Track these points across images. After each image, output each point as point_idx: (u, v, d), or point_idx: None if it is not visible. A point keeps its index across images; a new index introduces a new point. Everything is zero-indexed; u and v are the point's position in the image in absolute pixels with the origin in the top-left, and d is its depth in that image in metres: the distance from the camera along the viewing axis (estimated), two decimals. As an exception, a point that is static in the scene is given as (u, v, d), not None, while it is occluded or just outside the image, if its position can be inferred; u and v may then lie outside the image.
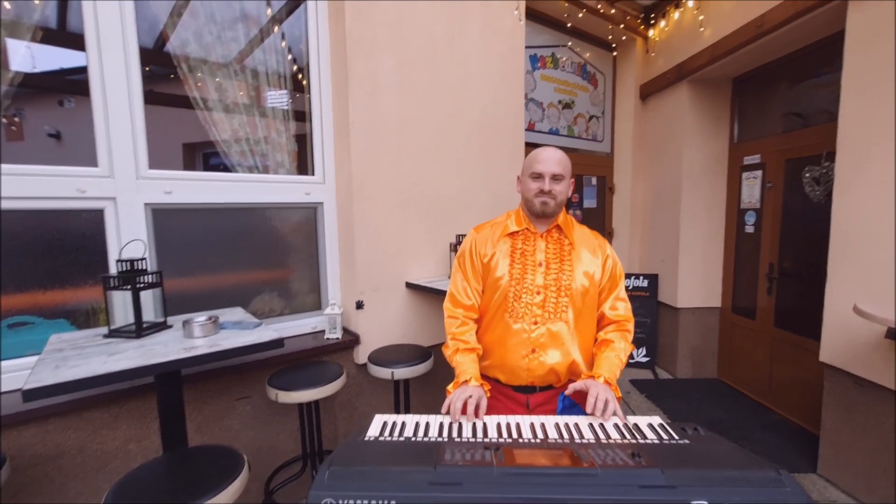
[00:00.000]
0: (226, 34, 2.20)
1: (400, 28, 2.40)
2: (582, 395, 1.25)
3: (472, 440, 1.02)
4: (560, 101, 4.01)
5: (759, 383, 3.54)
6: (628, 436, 1.05)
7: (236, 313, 1.93)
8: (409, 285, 2.53)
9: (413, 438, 1.02)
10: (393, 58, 2.38)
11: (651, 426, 1.10)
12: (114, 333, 1.59)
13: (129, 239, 1.85)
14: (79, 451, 1.70)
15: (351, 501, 0.76)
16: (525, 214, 1.46)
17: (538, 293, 1.38)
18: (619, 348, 1.38)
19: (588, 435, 1.06)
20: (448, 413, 1.18)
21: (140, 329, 1.59)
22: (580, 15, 3.65)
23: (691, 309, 3.99)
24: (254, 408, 2.13)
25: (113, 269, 1.80)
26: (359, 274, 2.36)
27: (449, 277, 2.46)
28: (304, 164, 2.46)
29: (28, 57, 1.83)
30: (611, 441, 1.01)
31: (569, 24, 3.78)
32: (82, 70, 1.79)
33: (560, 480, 0.82)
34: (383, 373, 2.10)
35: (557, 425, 1.11)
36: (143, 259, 1.65)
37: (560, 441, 1.01)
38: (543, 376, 1.39)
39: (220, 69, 2.19)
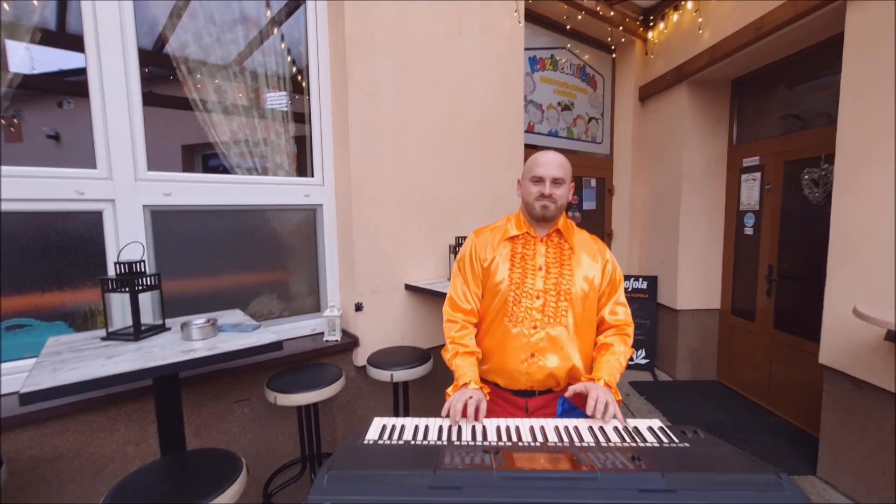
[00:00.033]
0: (225, 36, 2.20)
1: (399, 29, 2.40)
2: (582, 398, 1.25)
3: (472, 443, 1.02)
4: (559, 103, 4.01)
5: (759, 385, 3.54)
6: (628, 439, 1.05)
7: (235, 315, 1.93)
8: (408, 287, 2.53)
9: (412, 442, 1.01)
10: (392, 59, 2.39)
11: (651, 429, 1.10)
12: (112, 336, 1.59)
13: (127, 241, 1.85)
14: (76, 454, 1.69)
15: (350, 506, 0.76)
16: (525, 218, 1.46)
17: (538, 297, 1.38)
18: (619, 352, 1.38)
19: (588, 438, 1.06)
20: (448, 416, 1.18)
21: (138, 331, 1.59)
22: (579, 17, 3.65)
23: (691, 311, 3.99)
24: (252, 410, 2.12)
25: (111, 272, 1.79)
26: (358, 276, 2.36)
27: (448, 279, 2.46)
28: (303, 165, 2.45)
29: (27, 58, 1.83)
30: (611, 444, 1.01)
31: (568, 26, 3.79)
32: (81, 72, 1.79)
33: (560, 484, 0.81)
34: (382, 375, 2.09)
35: (557, 428, 1.11)
36: (141, 261, 1.65)
37: (560, 444, 1.01)
38: (542, 381, 1.39)
39: (219, 71, 2.19)
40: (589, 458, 0.89)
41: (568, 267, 1.40)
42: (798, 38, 2.90)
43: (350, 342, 2.37)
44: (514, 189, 1.51)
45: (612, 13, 3.79)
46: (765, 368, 3.46)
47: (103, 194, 1.82)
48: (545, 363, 1.37)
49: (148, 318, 1.83)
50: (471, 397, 1.20)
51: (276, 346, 1.55)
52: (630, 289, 4.26)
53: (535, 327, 1.37)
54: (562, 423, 1.15)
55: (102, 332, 1.62)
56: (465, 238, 2.44)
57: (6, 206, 1.64)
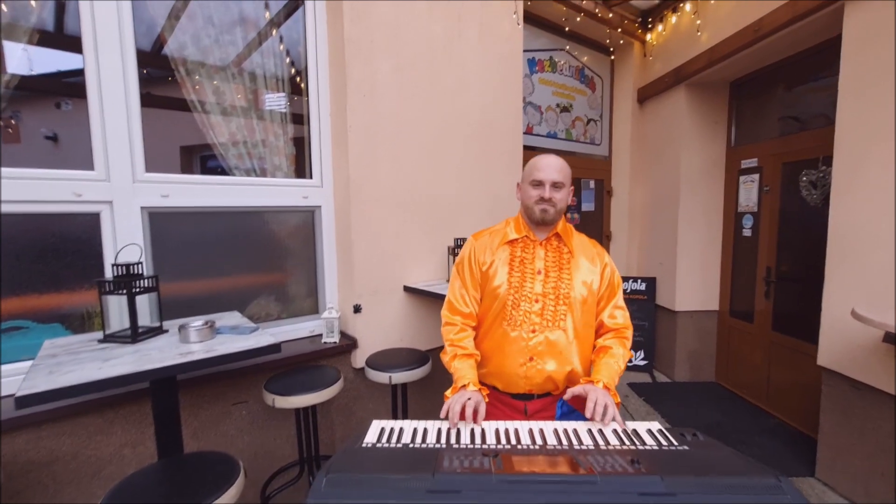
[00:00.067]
0: (224, 37, 2.20)
1: (398, 31, 2.40)
2: (580, 401, 1.24)
3: (471, 446, 1.02)
4: (558, 105, 4.02)
5: (757, 387, 3.54)
6: (627, 442, 1.05)
7: (233, 317, 1.92)
8: (407, 289, 2.52)
9: (411, 445, 1.01)
10: (391, 60, 2.38)
11: (650, 432, 1.10)
12: (109, 338, 1.58)
13: (125, 243, 1.84)
14: (73, 457, 1.68)
15: (348, 510, 0.76)
16: (525, 222, 1.46)
17: (537, 301, 1.38)
18: (618, 354, 1.38)
19: (587, 441, 1.06)
20: (447, 418, 1.17)
21: (135, 334, 1.58)
22: (578, 19, 3.66)
23: (689, 312, 3.99)
24: (250, 413, 2.11)
25: (108, 274, 1.78)
26: (357, 277, 2.35)
27: (447, 281, 2.46)
28: (301, 167, 2.45)
29: (25, 59, 1.82)
30: (610, 447, 1.01)
31: (566, 28, 3.79)
32: (79, 73, 1.78)
33: (559, 488, 0.81)
34: (381, 377, 2.09)
35: (556, 431, 1.11)
36: (139, 263, 1.64)
37: (559, 447, 1.01)
38: (541, 384, 1.39)
39: (217, 72, 2.19)
40: (588, 462, 0.89)
41: (567, 271, 1.40)
42: (796, 39, 2.91)
43: (348, 344, 2.36)
44: (513, 191, 1.51)
45: (610, 15, 3.80)
46: (763, 370, 3.47)
47: (101, 196, 1.81)
48: (544, 367, 1.37)
49: (145, 320, 1.82)
50: (469, 399, 1.20)
51: (275, 348, 1.54)
52: (629, 290, 4.27)
53: (533, 331, 1.37)
54: (561, 425, 1.15)
55: (99, 335, 1.61)
56: (464, 240, 2.44)
57: (3, 208, 1.63)
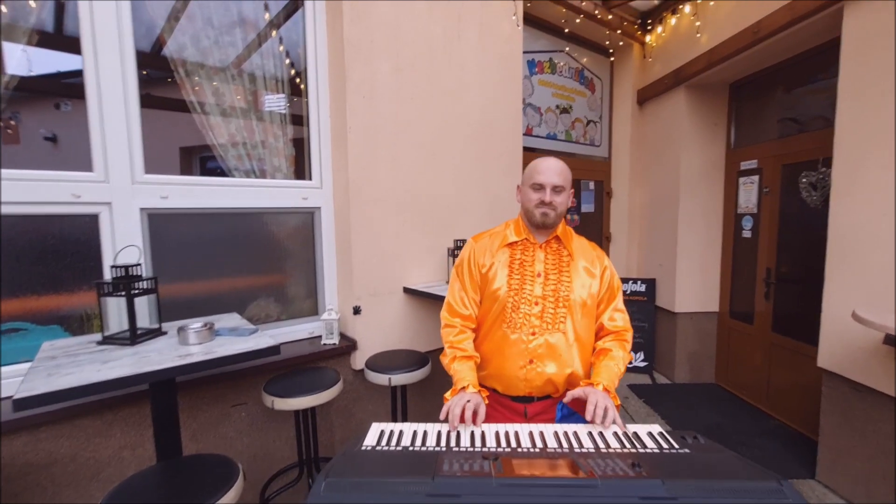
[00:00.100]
0: (223, 38, 2.20)
1: (398, 32, 2.40)
2: (581, 403, 1.24)
3: (471, 449, 1.01)
4: (558, 106, 4.02)
5: (757, 388, 3.54)
6: (628, 445, 1.04)
7: (232, 319, 1.92)
8: (406, 290, 2.52)
9: (411, 448, 1.01)
10: (391, 62, 2.38)
11: (651, 435, 1.09)
12: (108, 340, 1.58)
13: (124, 244, 1.84)
14: (71, 460, 1.67)
15: (347, 514, 0.75)
16: (525, 224, 1.45)
17: (536, 304, 1.38)
18: (618, 357, 1.38)
19: (588, 444, 1.05)
20: (446, 420, 1.17)
21: (134, 336, 1.57)
22: (577, 20, 3.66)
23: (689, 314, 3.99)
24: (249, 415, 2.11)
25: (107, 275, 1.78)
26: (356, 279, 2.35)
27: (446, 282, 2.46)
28: (301, 168, 2.45)
29: (24, 60, 1.82)
30: (610, 450, 1.00)
31: (566, 30, 3.80)
32: (79, 74, 1.78)
33: (559, 492, 0.81)
34: (380, 379, 2.08)
35: (556, 434, 1.10)
36: (138, 265, 1.64)
37: (559, 450, 1.00)
38: (541, 387, 1.38)
39: (217, 73, 2.19)
40: (589, 465, 0.89)
41: (567, 274, 1.40)
42: (796, 41, 2.91)
43: (348, 346, 2.36)
44: (513, 192, 1.51)
45: (610, 17, 3.81)
46: (763, 372, 3.46)
47: (100, 197, 1.81)
48: (543, 370, 1.36)
49: (144, 322, 1.82)
50: (469, 401, 1.19)
51: (274, 350, 1.54)
52: (628, 291, 4.26)
53: (533, 334, 1.37)
54: (561, 428, 1.14)
55: (98, 337, 1.60)
56: (463, 241, 2.43)
57: (3, 210, 1.62)
